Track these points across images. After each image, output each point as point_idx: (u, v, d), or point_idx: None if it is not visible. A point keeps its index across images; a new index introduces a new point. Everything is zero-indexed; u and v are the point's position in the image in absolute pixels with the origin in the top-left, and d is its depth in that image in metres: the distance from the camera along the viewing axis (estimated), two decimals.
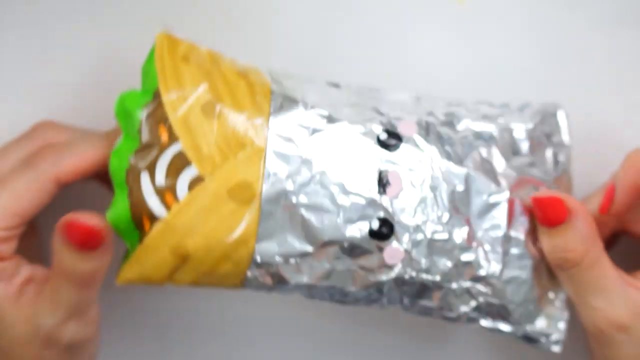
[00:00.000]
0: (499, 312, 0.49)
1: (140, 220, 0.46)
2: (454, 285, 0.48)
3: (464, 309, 0.48)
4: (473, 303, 0.48)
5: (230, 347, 0.56)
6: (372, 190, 0.46)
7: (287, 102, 0.46)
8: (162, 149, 0.45)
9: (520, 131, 0.50)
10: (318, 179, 0.45)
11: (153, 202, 0.45)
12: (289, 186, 0.45)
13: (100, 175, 0.48)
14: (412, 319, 0.51)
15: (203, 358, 0.56)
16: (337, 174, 0.46)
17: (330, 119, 0.46)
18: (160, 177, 0.45)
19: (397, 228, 0.46)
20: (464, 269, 0.48)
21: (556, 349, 0.50)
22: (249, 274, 0.46)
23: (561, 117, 0.51)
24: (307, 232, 0.45)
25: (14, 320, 0.47)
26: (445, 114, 0.49)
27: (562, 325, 0.50)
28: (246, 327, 0.56)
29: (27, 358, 0.47)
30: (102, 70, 0.53)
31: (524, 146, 0.49)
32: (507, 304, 0.49)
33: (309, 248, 0.46)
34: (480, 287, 0.48)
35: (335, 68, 0.53)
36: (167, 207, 0.45)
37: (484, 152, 0.48)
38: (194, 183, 0.45)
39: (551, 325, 0.50)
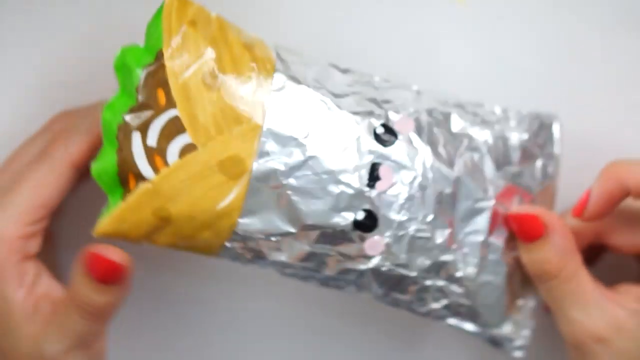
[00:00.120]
0: (468, 313, 0.49)
1: (126, 177, 0.45)
2: (429, 282, 0.48)
3: (434, 305, 0.49)
4: (444, 301, 0.49)
5: (229, 344, 0.57)
6: (362, 183, 0.46)
7: (290, 81, 0.46)
8: (158, 112, 0.45)
9: (514, 141, 0.50)
10: (310, 164, 0.45)
11: (142, 163, 0.45)
12: (280, 167, 0.45)
13: None
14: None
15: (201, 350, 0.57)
16: (329, 161, 0.45)
17: (331, 106, 0.46)
18: (152, 140, 0.45)
19: (381, 222, 0.46)
20: (441, 268, 0.48)
21: (518, 354, 0.50)
22: (227, 244, 0.46)
23: (556, 129, 0.51)
24: (291, 213, 0.45)
25: (22, 335, 0.47)
26: (443, 113, 0.48)
27: (526, 332, 0.51)
28: (245, 322, 0.57)
29: None
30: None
31: (516, 155, 0.50)
32: (478, 306, 0.49)
33: (292, 229, 0.46)
34: (454, 287, 0.48)
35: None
36: (155, 169, 0.45)
37: (476, 157, 0.48)
38: (185, 150, 0.44)
39: (516, 331, 0.50)
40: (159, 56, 0.45)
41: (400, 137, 0.47)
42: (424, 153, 0.47)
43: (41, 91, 0.54)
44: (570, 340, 0.48)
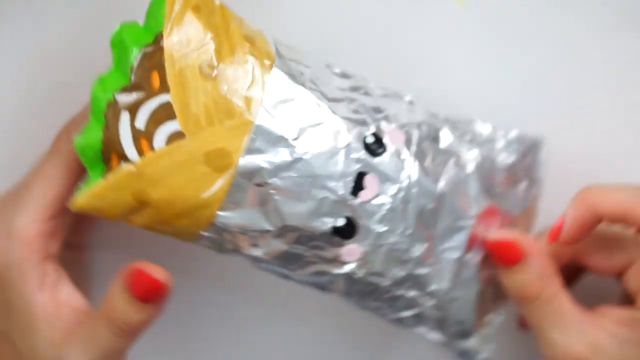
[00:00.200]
0: (438, 324, 0.50)
1: (110, 156, 0.45)
2: (401, 292, 0.48)
3: (405, 314, 0.49)
4: (415, 310, 0.49)
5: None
6: (347, 190, 0.45)
7: (287, 80, 0.45)
8: (150, 95, 0.44)
9: (501, 162, 0.50)
10: (297, 166, 0.45)
11: (127, 144, 0.44)
12: (267, 166, 0.44)
13: None
14: None
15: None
16: (316, 165, 0.45)
17: (324, 110, 0.45)
18: (141, 122, 0.44)
19: (360, 230, 0.46)
20: (415, 280, 0.48)
21: None
22: (204, 233, 0.46)
23: (542, 154, 0.52)
24: (272, 213, 0.45)
25: (42, 339, 0.47)
26: (433, 128, 0.48)
27: (492, 346, 0.51)
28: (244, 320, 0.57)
29: None
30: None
31: (501, 177, 0.50)
32: (447, 319, 0.49)
33: (271, 228, 0.45)
34: (426, 299, 0.49)
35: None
36: (140, 152, 0.44)
37: (461, 175, 0.48)
38: (173, 137, 0.44)
39: (482, 345, 0.51)
40: (158, 38, 0.44)
41: (389, 148, 0.46)
42: (411, 167, 0.47)
43: (41, 91, 0.53)
44: None
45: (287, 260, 0.47)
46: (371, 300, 0.49)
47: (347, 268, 0.47)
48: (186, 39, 0.44)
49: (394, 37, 0.54)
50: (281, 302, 0.56)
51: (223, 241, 0.46)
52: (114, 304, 0.46)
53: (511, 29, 0.54)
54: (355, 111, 0.46)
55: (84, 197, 0.45)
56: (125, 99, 0.44)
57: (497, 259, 0.48)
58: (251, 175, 0.44)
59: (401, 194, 0.46)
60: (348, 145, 0.45)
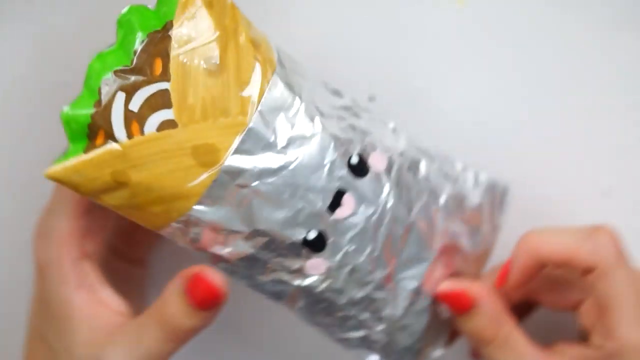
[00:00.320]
0: (382, 348, 0.51)
1: (96, 132, 0.44)
2: (354, 312, 0.49)
3: (352, 334, 0.50)
4: (364, 332, 0.50)
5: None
6: (324, 205, 0.46)
7: (286, 89, 0.45)
8: (150, 80, 0.44)
9: (468, 201, 0.51)
10: (282, 173, 0.45)
11: (117, 124, 0.44)
12: (252, 169, 0.45)
13: None
14: None
15: None
16: (300, 176, 0.45)
17: (316, 124, 0.46)
18: (135, 105, 0.44)
19: (329, 246, 0.47)
20: (370, 303, 0.49)
21: None
22: (174, 224, 0.46)
23: (508, 199, 0.53)
24: (247, 215, 0.45)
25: (80, 340, 0.46)
26: (413, 159, 0.49)
27: None
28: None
29: None
30: None
31: (466, 216, 0.51)
32: (393, 345, 0.50)
33: (242, 229, 0.46)
34: (376, 323, 0.50)
35: (334, 68, 0.53)
36: (129, 134, 0.44)
37: (432, 207, 0.49)
38: (164, 125, 0.44)
39: None
40: (167, 26, 0.44)
41: (371, 171, 0.47)
42: (388, 192, 0.47)
43: (41, 91, 0.53)
44: None
45: (249, 264, 0.47)
46: (323, 316, 0.49)
47: (308, 281, 0.47)
48: (195, 33, 0.44)
49: (393, 37, 0.54)
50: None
51: (189, 234, 0.46)
52: (168, 307, 0.45)
53: (511, 28, 0.55)
54: (344, 130, 0.47)
55: (60, 168, 0.44)
56: (124, 79, 0.44)
57: (451, 308, 0.50)
58: (235, 175, 0.44)
59: (374, 217, 0.47)
60: (333, 161, 0.46)
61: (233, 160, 0.44)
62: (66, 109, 0.44)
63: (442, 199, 0.50)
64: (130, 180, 0.44)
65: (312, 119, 0.46)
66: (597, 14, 0.55)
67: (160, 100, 0.44)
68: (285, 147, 0.45)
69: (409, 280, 0.49)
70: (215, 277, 0.45)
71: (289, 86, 0.45)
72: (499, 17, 0.55)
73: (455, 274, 0.51)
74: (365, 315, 0.49)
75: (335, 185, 0.46)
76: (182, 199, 0.45)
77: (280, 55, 0.46)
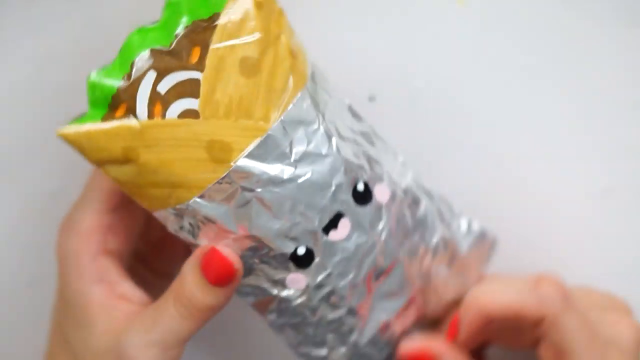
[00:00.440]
0: None
1: (118, 104, 0.45)
2: (322, 331, 0.50)
3: (315, 352, 0.50)
4: (324, 352, 0.50)
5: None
6: (320, 224, 0.46)
7: (311, 105, 0.46)
8: (184, 67, 0.44)
9: (458, 248, 0.52)
10: (288, 186, 0.45)
11: (141, 101, 0.44)
12: (261, 175, 0.45)
13: None
14: None
15: None
16: (305, 192, 0.46)
17: (332, 145, 0.46)
18: (163, 87, 0.44)
19: (315, 265, 0.47)
20: (340, 325, 0.49)
21: None
22: (170, 210, 0.46)
23: (494, 251, 0.53)
24: (244, 218, 0.46)
25: (98, 332, 0.47)
26: (415, 197, 0.50)
27: None
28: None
29: None
30: None
31: (453, 261, 0.52)
32: None
33: (235, 230, 0.46)
34: (340, 345, 0.50)
35: (334, 68, 0.52)
36: (150, 115, 0.44)
37: (421, 248, 0.50)
38: (186, 114, 0.44)
39: None
40: (214, 18, 0.44)
41: (373, 201, 0.47)
42: (385, 225, 0.48)
43: (41, 91, 0.53)
44: None
45: None
46: (291, 329, 0.50)
47: (285, 293, 0.48)
48: (239, 30, 0.44)
49: (393, 36, 0.54)
50: None
51: (182, 223, 0.46)
52: (184, 284, 0.46)
53: (512, 28, 0.55)
54: (357, 156, 0.47)
55: (73, 131, 0.45)
56: (159, 59, 0.44)
57: None
58: (242, 177, 0.45)
59: (366, 247, 0.48)
60: (340, 185, 0.46)
61: (244, 163, 0.45)
62: (94, 75, 0.44)
63: (433, 241, 0.50)
64: (139, 158, 0.44)
65: (329, 139, 0.46)
66: (597, 13, 0.55)
67: (189, 89, 0.44)
68: (298, 161, 0.45)
69: (382, 312, 0.50)
70: (229, 253, 0.46)
71: (315, 103, 0.46)
72: (499, 17, 0.55)
73: (424, 317, 0.52)
74: (331, 336, 0.50)
75: (336, 208, 0.46)
76: (185, 189, 0.45)
77: (314, 71, 0.47)
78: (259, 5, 0.45)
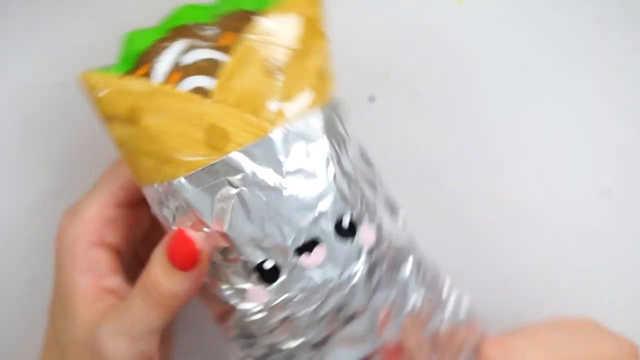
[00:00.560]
0: None
1: (142, 63, 0.45)
2: (264, 352, 0.48)
3: None
4: None
5: None
6: (294, 245, 0.45)
7: (321, 126, 0.45)
8: (214, 47, 0.45)
9: (443, 320, 0.50)
10: (272, 194, 0.45)
11: (162, 66, 0.45)
12: (249, 174, 0.44)
13: None
14: None
15: None
16: (287, 206, 0.45)
17: (329, 171, 0.45)
18: (188, 60, 0.45)
19: (279, 284, 0.46)
20: (290, 357, 0.47)
21: None
22: (156, 186, 0.46)
23: (478, 335, 0.51)
24: (221, 213, 0.45)
25: (79, 320, 0.47)
26: (401, 255, 0.48)
27: None
28: None
29: None
30: None
31: (434, 331, 0.49)
32: None
33: (209, 222, 0.45)
34: None
35: (334, 68, 0.52)
36: (166, 80, 0.45)
37: (395, 309, 0.48)
38: (198, 90, 0.44)
39: None
40: (258, 13, 0.45)
41: (355, 241, 0.46)
42: (359, 271, 0.46)
43: (41, 91, 0.54)
44: None
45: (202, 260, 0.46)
46: (240, 343, 0.48)
47: (243, 305, 0.47)
48: (277, 32, 0.45)
49: (393, 36, 0.54)
50: None
51: (165, 204, 0.46)
52: (149, 268, 0.46)
53: (510, 28, 0.55)
54: (353, 192, 0.46)
55: (93, 76, 0.45)
56: (192, 34, 0.45)
57: None
58: (230, 170, 0.44)
59: (335, 282, 0.46)
60: (324, 213, 0.45)
61: (237, 157, 0.44)
62: (134, 31, 0.46)
63: (410, 303, 0.48)
64: (141, 120, 0.45)
65: (327, 165, 0.45)
66: (596, 15, 0.55)
67: (210, 68, 0.44)
68: (289, 173, 0.45)
69: (339, 357, 0.48)
70: (195, 235, 0.45)
71: (327, 127, 0.45)
72: (498, 17, 0.55)
73: None
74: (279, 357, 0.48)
75: (314, 233, 0.45)
76: (173, 165, 0.45)
77: (339, 104, 0.47)
78: (308, 19, 0.45)
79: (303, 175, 0.45)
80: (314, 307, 0.46)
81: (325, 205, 0.45)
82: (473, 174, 0.56)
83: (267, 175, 0.45)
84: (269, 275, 0.46)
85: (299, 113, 0.45)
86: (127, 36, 0.45)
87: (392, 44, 0.54)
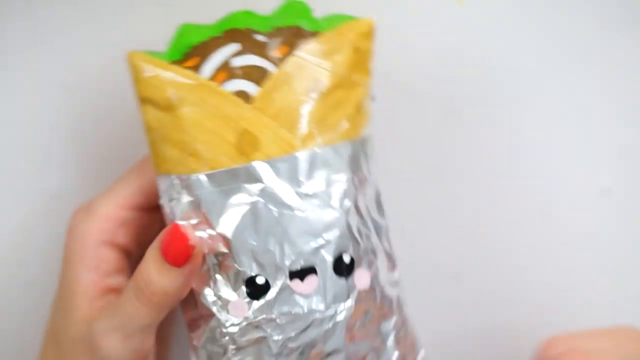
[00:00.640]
0: None
1: (192, 56, 0.46)
2: None
3: None
4: None
5: None
6: (291, 268, 0.45)
7: (346, 159, 0.46)
8: (266, 56, 0.46)
9: None
10: (285, 212, 0.45)
11: (211, 63, 0.46)
12: (268, 187, 0.45)
13: None
14: None
15: None
16: (295, 227, 0.45)
17: (344, 206, 0.46)
18: (237, 63, 0.46)
19: (262, 304, 0.45)
20: None
21: None
22: (173, 177, 0.46)
23: None
24: (230, 219, 0.45)
25: (77, 318, 0.47)
26: (388, 310, 0.48)
27: None
28: None
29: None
30: None
31: None
32: None
33: (215, 225, 0.45)
34: None
35: None
36: (211, 78, 0.45)
37: (369, 356, 0.47)
38: (241, 94, 0.45)
39: None
40: (312, 33, 0.46)
41: (349, 280, 0.46)
42: (345, 311, 0.46)
43: (41, 91, 0.54)
44: None
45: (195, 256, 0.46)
46: (203, 356, 0.47)
47: (221, 316, 0.46)
48: (328, 56, 0.46)
49: (393, 36, 0.54)
50: None
51: (179, 196, 0.46)
52: (142, 264, 0.46)
53: (510, 28, 0.55)
54: (360, 233, 0.46)
55: (141, 56, 0.46)
56: (246, 39, 0.46)
57: None
58: (251, 179, 0.45)
59: (316, 317, 0.46)
60: (329, 242, 0.45)
61: (261, 166, 0.45)
62: (193, 23, 0.46)
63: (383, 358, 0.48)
64: (178, 110, 0.45)
65: (343, 199, 0.46)
66: (597, 14, 0.55)
67: (256, 75, 0.45)
68: (307, 196, 0.45)
69: None
70: (190, 231, 0.45)
71: (352, 161, 0.46)
72: (498, 17, 0.55)
73: None
74: None
75: (312, 261, 0.45)
76: (197, 160, 0.45)
77: (370, 141, 0.47)
78: (356, 50, 0.46)
79: (319, 201, 0.45)
80: (292, 334, 0.46)
81: (331, 236, 0.45)
82: (473, 174, 0.56)
83: (285, 192, 0.45)
84: (256, 291, 0.45)
85: (331, 140, 0.46)
86: (181, 27, 0.46)
87: (393, 44, 0.54)
